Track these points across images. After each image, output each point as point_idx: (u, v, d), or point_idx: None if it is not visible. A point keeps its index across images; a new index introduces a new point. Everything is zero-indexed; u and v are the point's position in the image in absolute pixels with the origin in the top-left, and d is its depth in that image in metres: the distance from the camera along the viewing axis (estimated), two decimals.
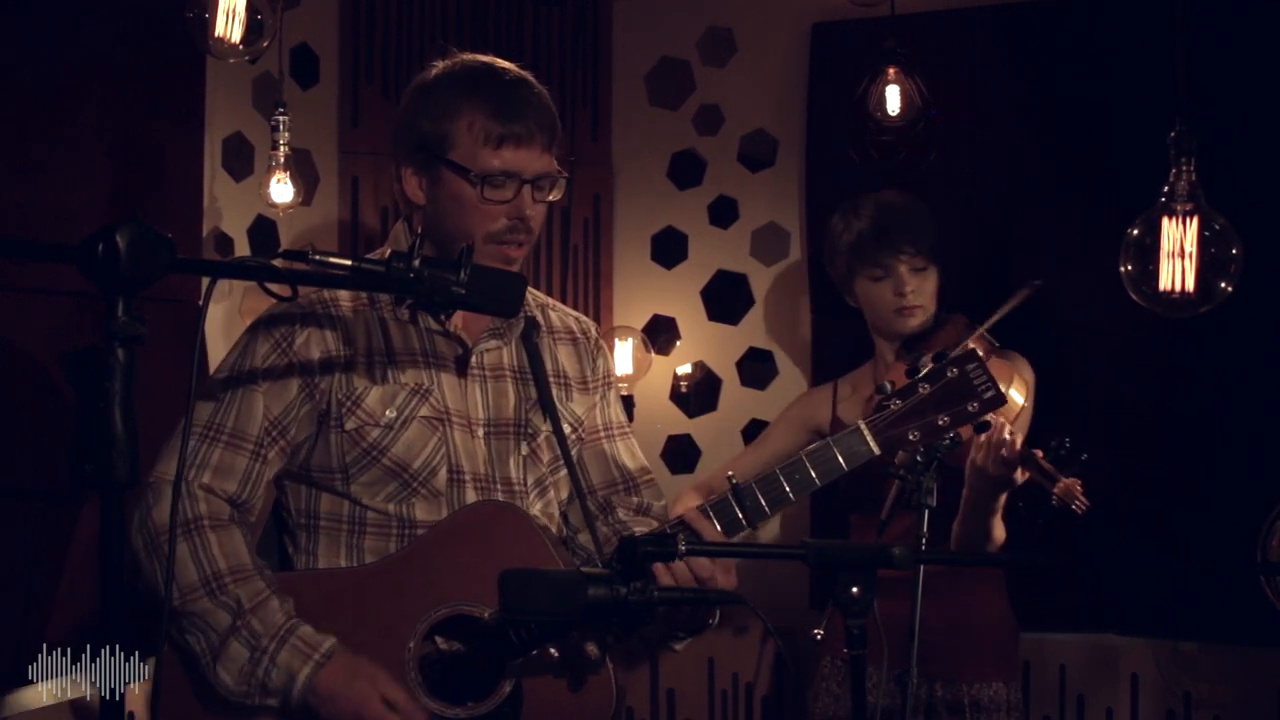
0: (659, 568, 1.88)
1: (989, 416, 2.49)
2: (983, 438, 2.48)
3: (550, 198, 2.11)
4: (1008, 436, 2.48)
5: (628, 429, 2.32)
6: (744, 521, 2.00)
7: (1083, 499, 2.51)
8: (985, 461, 2.51)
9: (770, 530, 3.59)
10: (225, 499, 2.02)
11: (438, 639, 2.00)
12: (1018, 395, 2.67)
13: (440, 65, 2.13)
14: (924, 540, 2.28)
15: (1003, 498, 2.59)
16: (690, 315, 3.73)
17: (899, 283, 2.86)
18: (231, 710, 1.96)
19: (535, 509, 2.13)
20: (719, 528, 1.98)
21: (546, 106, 2.10)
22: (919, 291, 2.86)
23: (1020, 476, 2.51)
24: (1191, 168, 2.47)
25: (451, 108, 2.06)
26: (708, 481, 3.17)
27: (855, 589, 1.65)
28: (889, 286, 2.87)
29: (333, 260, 1.77)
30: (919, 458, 2.27)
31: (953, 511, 2.82)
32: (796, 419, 3.12)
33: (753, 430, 3.61)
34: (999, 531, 2.69)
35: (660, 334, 3.73)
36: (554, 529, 2.18)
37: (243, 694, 1.93)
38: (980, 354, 2.34)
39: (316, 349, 2.05)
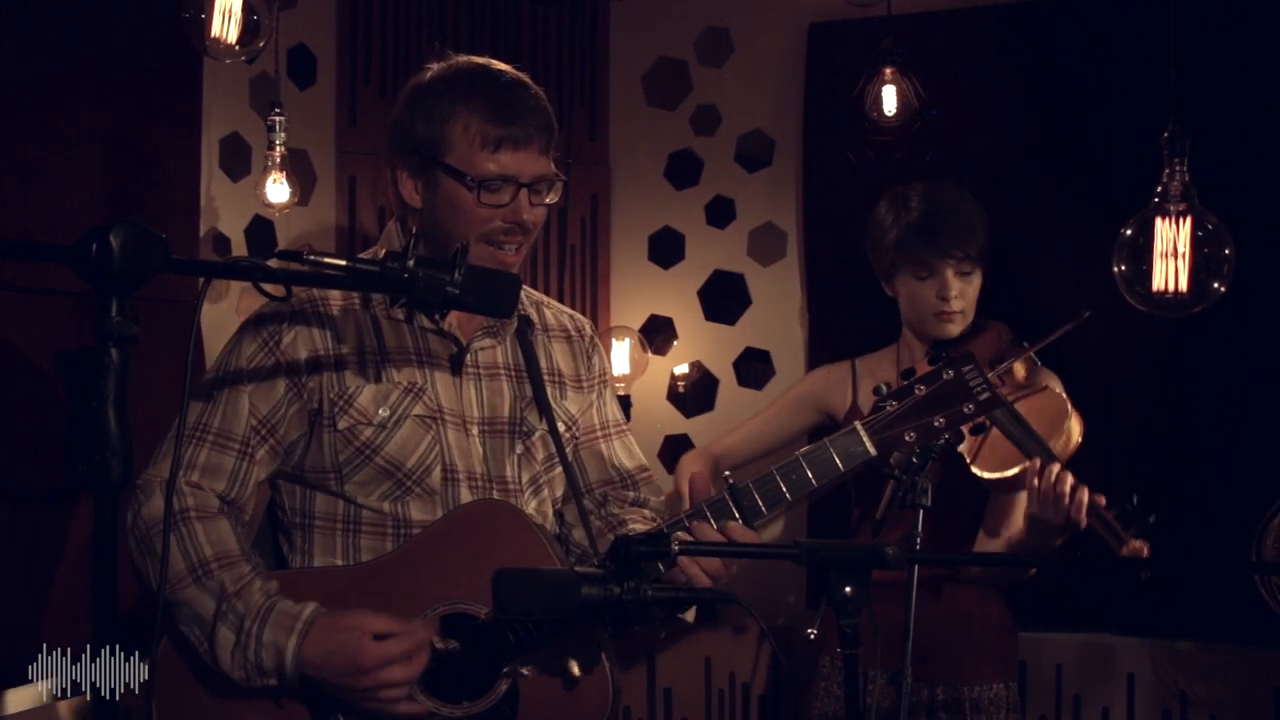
0: (685, 561, 1.92)
1: (1051, 460, 2.46)
2: (1056, 491, 2.44)
3: (548, 201, 2.09)
4: (1070, 490, 2.44)
5: (625, 426, 2.32)
6: (740, 520, 2.00)
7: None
8: (1050, 514, 2.48)
9: (768, 530, 3.59)
10: (215, 495, 2.03)
11: (434, 638, 2.01)
12: (1075, 429, 2.63)
13: (435, 68, 2.11)
14: (918, 540, 2.29)
15: (1059, 542, 2.57)
16: (687, 315, 3.73)
17: (943, 286, 2.77)
18: (229, 700, 1.97)
19: (529, 507, 2.13)
20: (737, 516, 1.99)
21: (543, 108, 2.08)
22: (962, 296, 2.79)
23: (1084, 523, 2.48)
24: (1184, 168, 2.47)
25: (447, 111, 2.04)
26: (706, 449, 3.16)
27: (848, 589, 1.65)
28: (932, 288, 2.79)
29: (327, 260, 1.78)
30: (915, 458, 2.27)
31: (954, 511, 2.82)
32: (809, 396, 3.06)
33: None
34: (1032, 570, 2.69)
35: (657, 334, 3.73)
36: (547, 528, 2.18)
37: (242, 678, 1.94)
38: (1014, 371, 2.31)
39: (304, 348, 2.05)
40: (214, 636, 1.94)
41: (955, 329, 2.80)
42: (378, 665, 1.91)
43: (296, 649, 1.92)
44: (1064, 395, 2.69)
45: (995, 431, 2.57)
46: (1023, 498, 2.81)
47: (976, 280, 2.83)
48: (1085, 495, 2.44)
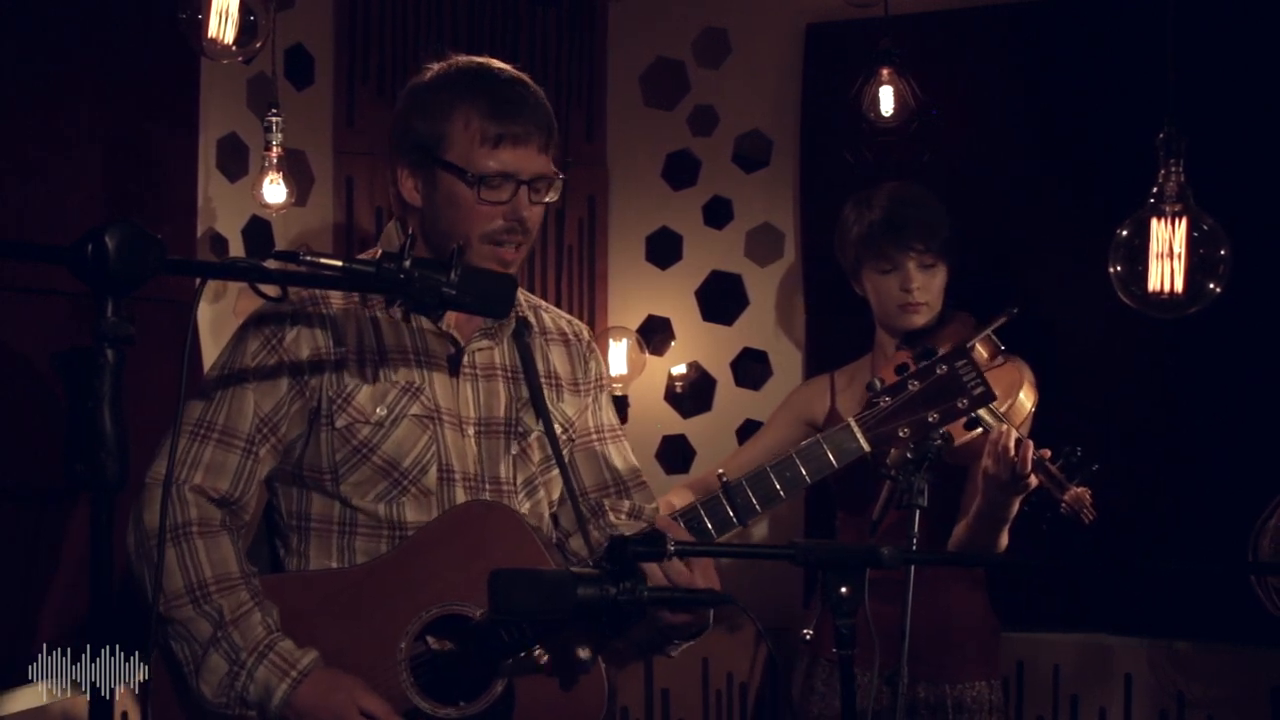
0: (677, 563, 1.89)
1: (997, 421, 2.51)
2: (1001, 445, 2.48)
3: (547, 199, 2.09)
4: (1014, 443, 2.48)
5: (620, 431, 2.32)
6: (735, 519, 2.01)
7: (1091, 509, 2.52)
8: (998, 468, 2.51)
9: (762, 529, 3.60)
10: (218, 499, 2.03)
11: (430, 639, 2.01)
12: (1026, 400, 2.67)
13: (436, 67, 2.12)
14: (914, 540, 2.29)
15: (1016, 504, 2.59)
16: (685, 316, 3.74)
17: (906, 279, 2.83)
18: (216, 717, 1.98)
19: (524, 509, 2.13)
20: (731, 514, 1.98)
21: (543, 107, 2.08)
22: (925, 289, 2.84)
23: (1034, 481, 2.52)
24: (1180, 169, 2.47)
25: (447, 108, 2.05)
26: (702, 480, 3.17)
27: (844, 589, 1.65)
28: (896, 281, 2.85)
29: (324, 261, 1.78)
30: (909, 454, 2.27)
31: (947, 512, 2.83)
32: (793, 411, 3.10)
33: (747, 430, 3.61)
34: (1004, 540, 2.70)
35: (655, 334, 3.73)
36: (543, 529, 2.18)
37: (221, 705, 1.94)
38: (978, 352, 2.34)
39: (306, 347, 2.05)
40: (204, 660, 1.94)
41: (920, 319, 2.85)
42: None
43: (287, 694, 1.93)
44: (1021, 371, 2.72)
45: None
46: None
47: (940, 274, 2.87)
48: (1029, 449, 2.47)
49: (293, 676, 1.93)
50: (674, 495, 3.03)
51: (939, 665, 2.81)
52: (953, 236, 2.88)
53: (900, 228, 2.83)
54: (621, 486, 2.26)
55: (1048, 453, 2.53)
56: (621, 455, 2.28)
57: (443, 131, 2.04)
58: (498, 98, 2.04)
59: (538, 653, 1.95)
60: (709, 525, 2.00)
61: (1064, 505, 2.54)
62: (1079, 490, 2.53)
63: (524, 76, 2.11)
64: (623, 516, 2.23)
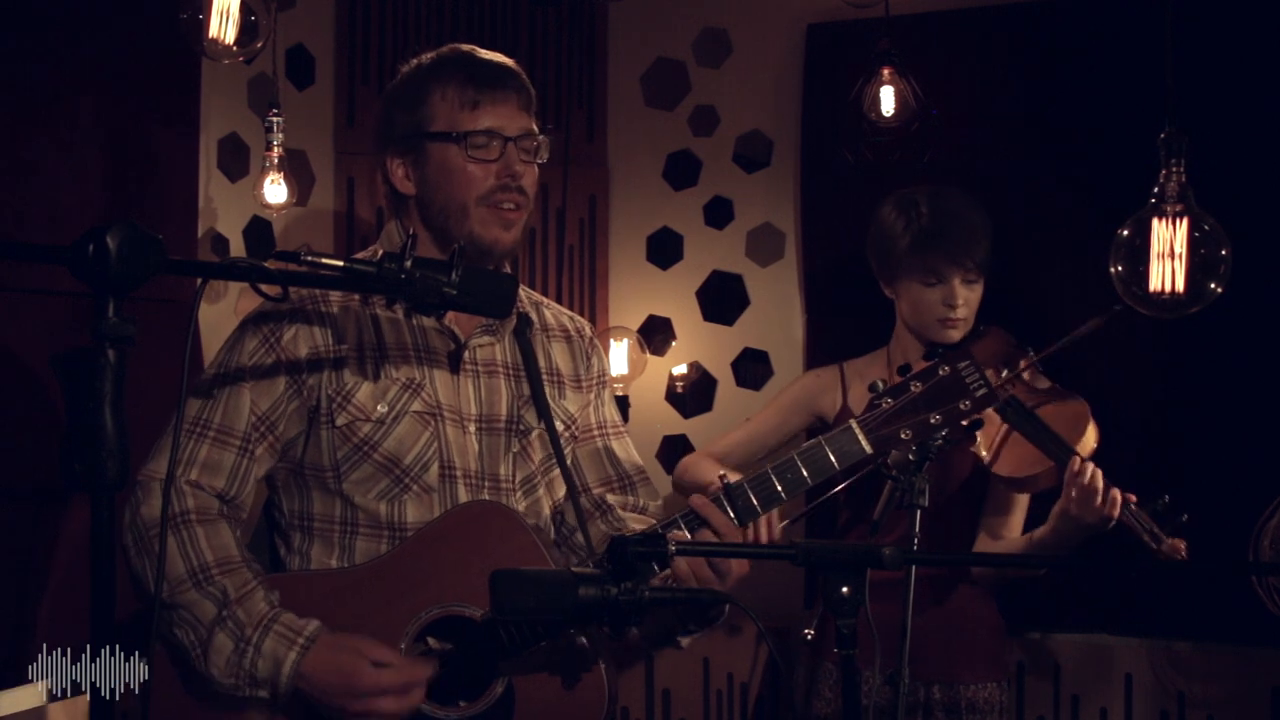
0: (679, 561, 1.89)
1: (1075, 458, 2.49)
2: (1089, 487, 2.48)
3: (538, 159, 2.14)
4: (1104, 488, 2.47)
5: (622, 428, 2.32)
6: (736, 521, 2.00)
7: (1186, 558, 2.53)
8: (1081, 509, 2.50)
9: None
10: (214, 495, 2.03)
11: (429, 640, 2.00)
12: (1090, 436, 2.67)
13: (405, 67, 2.18)
14: (915, 541, 2.29)
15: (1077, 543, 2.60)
16: (686, 316, 3.74)
17: (950, 295, 2.79)
18: (223, 707, 1.97)
19: (520, 507, 2.13)
20: (732, 515, 1.98)
21: (516, 72, 2.14)
22: (967, 304, 2.80)
23: (1114, 521, 2.52)
24: (1181, 169, 2.47)
25: (424, 91, 2.11)
26: (706, 452, 3.15)
27: (845, 589, 1.65)
28: (939, 295, 2.80)
29: (324, 261, 1.79)
30: (911, 457, 2.27)
31: (948, 513, 2.83)
32: (799, 399, 3.06)
33: None
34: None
35: (656, 334, 3.73)
36: (541, 528, 2.18)
37: (232, 686, 1.93)
38: (1023, 372, 2.32)
39: (304, 345, 2.05)
40: (210, 641, 1.93)
41: (958, 335, 2.82)
42: (371, 691, 1.91)
43: (296, 662, 1.92)
44: (1084, 405, 2.72)
45: (1015, 434, 2.67)
46: (1024, 500, 2.83)
47: (979, 288, 2.85)
48: (1118, 493, 2.47)
49: (300, 644, 1.93)
50: (705, 463, 3.01)
51: (953, 666, 2.81)
52: (992, 249, 2.84)
53: (951, 241, 2.78)
54: (626, 482, 2.26)
55: (1134, 498, 2.51)
56: (625, 451, 2.28)
57: (423, 112, 2.10)
58: (471, 68, 2.11)
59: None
60: (731, 515, 1.99)
61: (1162, 557, 2.52)
62: (1175, 542, 2.51)
63: (495, 53, 2.16)
64: (629, 513, 2.23)
